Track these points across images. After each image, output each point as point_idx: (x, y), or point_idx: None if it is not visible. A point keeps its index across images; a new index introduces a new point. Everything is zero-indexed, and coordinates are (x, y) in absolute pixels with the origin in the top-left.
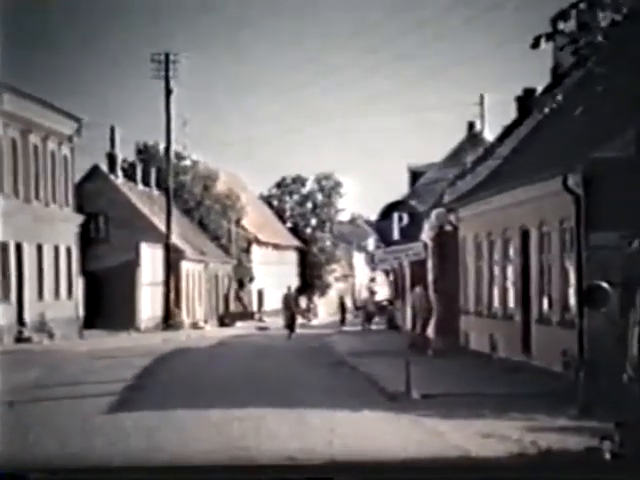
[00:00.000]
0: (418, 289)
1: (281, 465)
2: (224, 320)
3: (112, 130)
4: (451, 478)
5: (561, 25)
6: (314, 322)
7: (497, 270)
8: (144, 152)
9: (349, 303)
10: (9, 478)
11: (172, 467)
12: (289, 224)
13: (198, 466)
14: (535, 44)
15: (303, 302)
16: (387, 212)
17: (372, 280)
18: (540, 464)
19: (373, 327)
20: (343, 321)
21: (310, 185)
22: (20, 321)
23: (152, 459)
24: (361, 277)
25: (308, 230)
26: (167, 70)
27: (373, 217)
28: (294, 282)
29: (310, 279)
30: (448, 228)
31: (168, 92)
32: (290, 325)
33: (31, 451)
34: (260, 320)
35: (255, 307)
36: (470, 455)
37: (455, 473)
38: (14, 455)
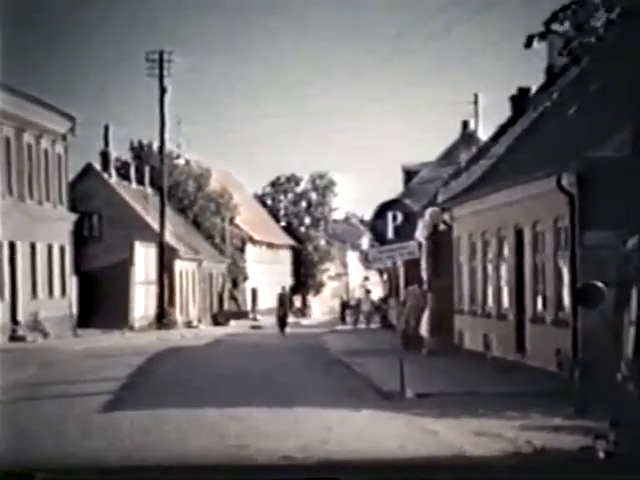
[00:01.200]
0: (412, 287)
1: (278, 464)
2: (218, 319)
3: (106, 129)
4: (446, 477)
5: (555, 26)
6: (306, 322)
7: (491, 269)
8: (138, 150)
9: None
10: (13, 477)
11: (168, 467)
12: (283, 223)
13: (195, 465)
14: (528, 43)
15: (297, 301)
16: (381, 211)
17: (366, 279)
18: (535, 463)
19: (371, 326)
20: (344, 319)
21: (304, 184)
22: (14, 320)
23: (148, 458)
24: (355, 276)
25: (302, 229)
26: (161, 69)
27: (367, 216)
28: (288, 281)
29: (304, 278)
30: (442, 227)
31: (162, 91)
32: (282, 323)
33: (25, 450)
34: (254, 319)
35: (249, 306)
36: (465, 454)
37: (450, 472)
38: (8, 454)
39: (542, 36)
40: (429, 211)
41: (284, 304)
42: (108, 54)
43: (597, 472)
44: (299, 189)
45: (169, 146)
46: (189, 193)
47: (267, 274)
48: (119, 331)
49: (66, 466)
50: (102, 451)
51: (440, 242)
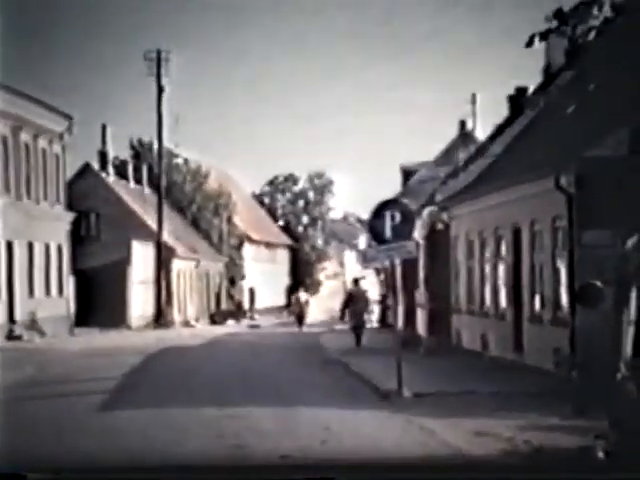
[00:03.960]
0: (355, 288)
1: (275, 464)
2: (215, 318)
3: (104, 128)
4: (443, 477)
5: (556, 23)
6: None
7: (489, 268)
8: (138, 148)
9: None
10: (6, 478)
11: (165, 466)
12: (281, 222)
13: (191, 465)
14: (529, 43)
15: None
16: (379, 210)
17: (362, 278)
18: (533, 463)
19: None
20: (342, 318)
21: (302, 183)
22: (11, 319)
23: (145, 458)
24: (352, 275)
25: (300, 228)
26: (159, 67)
27: (365, 215)
28: (285, 280)
29: (301, 277)
30: (440, 226)
31: (160, 90)
32: (299, 320)
33: (23, 450)
34: (251, 318)
35: (246, 305)
36: (462, 454)
37: (447, 472)
38: (5, 454)
39: (543, 35)
40: (427, 210)
41: (300, 304)
42: (110, 52)
43: (596, 472)
44: (297, 188)
45: (167, 145)
46: (187, 192)
47: (265, 273)
48: (116, 330)
49: (61, 466)
50: (97, 451)
51: (438, 241)
